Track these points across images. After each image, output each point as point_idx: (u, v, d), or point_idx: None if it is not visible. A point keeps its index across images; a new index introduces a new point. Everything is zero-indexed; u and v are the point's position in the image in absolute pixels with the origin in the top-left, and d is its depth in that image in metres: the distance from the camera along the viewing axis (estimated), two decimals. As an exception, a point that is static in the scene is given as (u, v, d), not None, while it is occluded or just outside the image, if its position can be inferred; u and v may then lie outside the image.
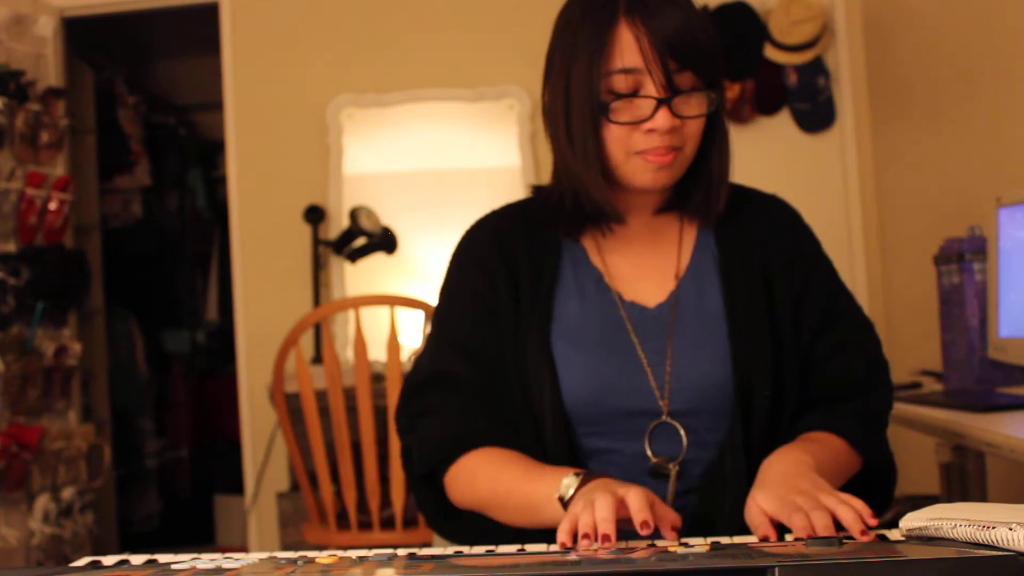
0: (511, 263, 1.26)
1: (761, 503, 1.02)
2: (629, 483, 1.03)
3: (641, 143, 1.17)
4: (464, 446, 1.21)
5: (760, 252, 1.27)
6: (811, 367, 1.27)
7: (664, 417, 1.20)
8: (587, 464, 1.23)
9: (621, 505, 0.96)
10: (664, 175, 1.19)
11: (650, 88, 1.15)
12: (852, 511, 0.95)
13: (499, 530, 1.19)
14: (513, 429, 1.22)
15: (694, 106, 1.17)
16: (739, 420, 1.20)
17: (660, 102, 1.14)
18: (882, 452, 1.27)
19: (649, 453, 1.20)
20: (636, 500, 0.95)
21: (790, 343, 1.24)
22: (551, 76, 1.23)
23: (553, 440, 1.20)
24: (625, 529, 0.95)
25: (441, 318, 1.30)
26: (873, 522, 0.95)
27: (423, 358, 1.29)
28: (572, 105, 1.19)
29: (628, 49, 1.15)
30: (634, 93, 1.16)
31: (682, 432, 1.20)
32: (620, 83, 1.16)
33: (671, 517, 0.98)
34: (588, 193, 1.21)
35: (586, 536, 0.93)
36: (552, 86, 1.23)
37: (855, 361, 1.27)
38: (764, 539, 0.98)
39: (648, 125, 1.16)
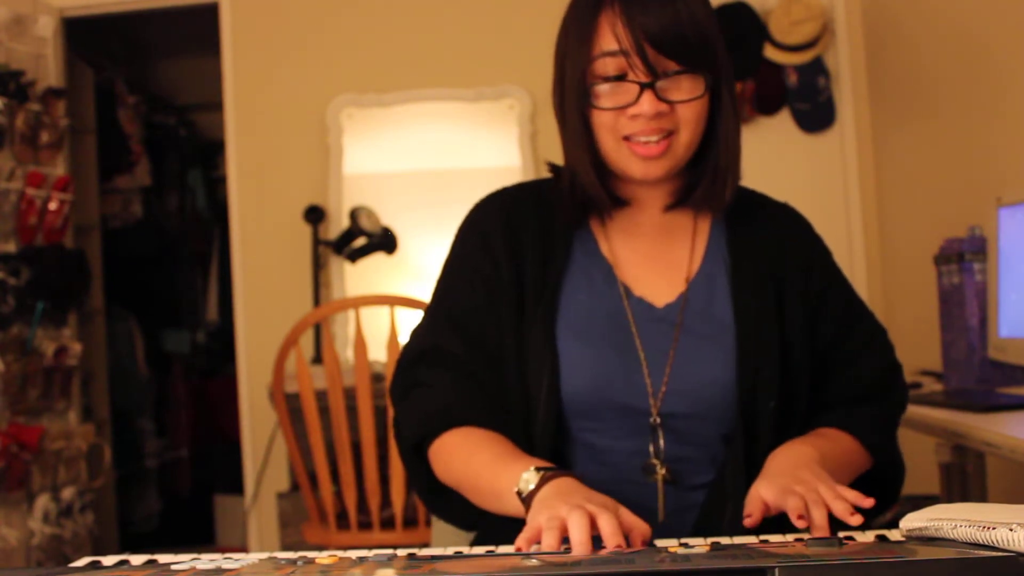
0: (518, 246, 1.25)
1: (761, 491, 1.03)
2: (593, 492, 1.00)
3: (628, 128, 1.17)
4: (449, 422, 1.21)
5: (772, 260, 1.26)
6: (828, 373, 1.26)
7: (654, 419, 1.20)
8: (577, 456, 1.22)
9: (592, 524, 0.92)
10: (655, 166, 1.18)
11: (634, 73, 1.15)
12: (846, 505, 0.96)
13: (486, 512, 1.17)
14: (502, 410, 1.21)
15: (684, 90, 1.16)
16: (741, 431, 1.19)
17: (643, 86, 1.15)
18: (892, 454, 1.28)
19: (652, 454, 1.20)
20: (608, 525, 0.91)
21: (800, 355, 1.23)
22: (554, 68, 1.25)
23: (542, 430, 1.19)
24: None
25: (441, 291, 1.29)
26: (866, 503, 0.96)
27: (420, 330, 1.29)
28: (566, 93, 1.21)
29: (607, 35, 1.16)
30: (621, 77, 1.16)
31: (661, 435, 1.19)
32: (604, 68, 1.16)
33: (641, 529, 0.95)
34: (580, 179, 1.22)
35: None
36: (554, 77, 1.25)
37: (873, 366, 1.28)
38: (747, 516, 1.00)
39: (633, 110, 1.16)
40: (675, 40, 1.14)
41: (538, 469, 1.05)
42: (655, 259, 1.27)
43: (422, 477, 1.27)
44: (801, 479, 1.02)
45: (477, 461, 1.16)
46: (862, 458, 1.23)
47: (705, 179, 1.23)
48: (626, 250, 1.27)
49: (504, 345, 1.23)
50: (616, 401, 1.20)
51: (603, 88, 1.17)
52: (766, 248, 1.27)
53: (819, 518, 0.96)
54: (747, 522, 1.02)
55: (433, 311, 1.28)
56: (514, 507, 1.06)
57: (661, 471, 1.19)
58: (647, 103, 1.15)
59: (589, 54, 1.17)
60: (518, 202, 1.30)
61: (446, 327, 1.25)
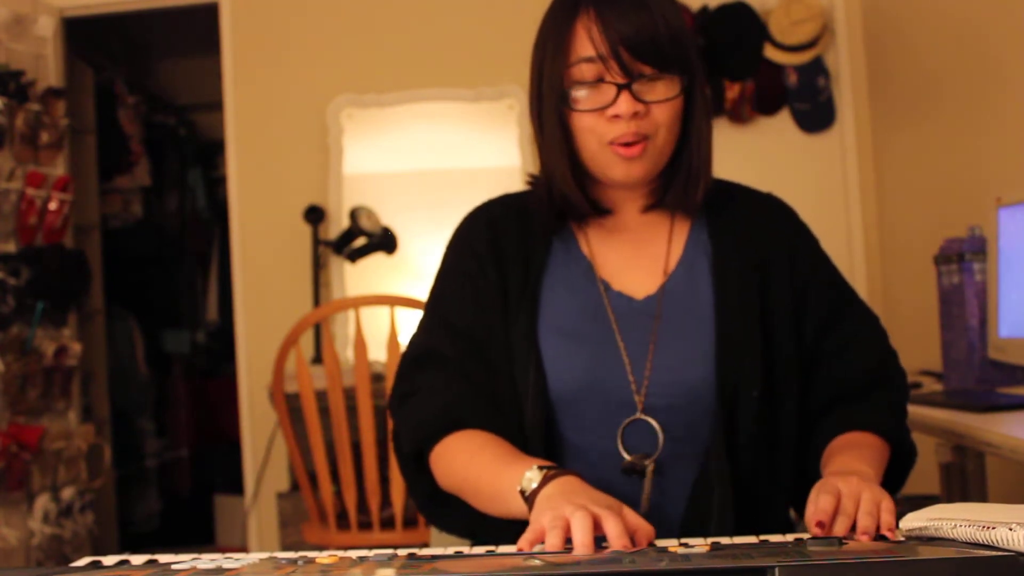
0: (501, 251, 1.28)
1: (817, 484, 1.03)
2: (596, 492, 1.01)
3: (609, 132, 1.18)
4: (448, 426, 1.21)
5: (756, 249, 1.27)
6: (821, 364, 1.26)
7: (639, 413, 1.20)
8: (564, 457, 1.22)
9: (596, 525, 0.92)
10: (636, 168, 1.20)
11: (610, 76, 1.17)
12: (872, 523, 0.94)
13: (487, 520, 1.18)
14: (497, 411, 1.22)
15: (659, 91, 1.18)
16: (722, 422, 1.19)
17: (620, 87, 1.16)
18: (909, 440, 1.28)
19: (622, 450, 1.19)
20: (613, 527, 0.91)
21: (785, 343, 1.23)
22: (530, 76, 1.26)
23: (532, 431, 1.20)
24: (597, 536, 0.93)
25: (433, 299, 1.31)
26: (888, 535, 0.94)
27: (415, 337, 1.31)
28: (543, 100, 1.23)
29: (582, 41, 1.18)
30: (598, 82, 1.18)
31: (657, 428, 1.19)
32: (581, 73, 1.18)
33: (645, 530, 0.95)
34: (558, 185, 1.24)
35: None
36: (530, 84, 1.26)
37: (868, 355, 1.27)
38: (819, 524, 0.96)
39: (611, 111, 1.17)
40: (650, 44, 1.16)
41: (541, 468, 1.06)
42: (634, 254, 1.28)
43: (422, 488, 1.27)
44: (850, 484, 1.00)
45: (477, 463, 1.16)
46: (887, 452, 1.23)
47: (678, 181, 1.25)
48: (605, 248, 1.28)
49: (494, 348, 1.24)
50: (598, 396, 1.20)
51: (581, 92, 1.19)
52: (749, 237, 1.28)
53: (841, 527, 0.95)
54: (815, 520, 0.99)
55: (427, 318, 1.31)
56: (517, 507, 1.07)
57: (649, 464, 1.18)
58: (624, 103, 1.16)
59: (566, 60, 1.19)
60: (502, 211, 1.33)
61: (440, 331, 1.27)
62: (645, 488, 1.18)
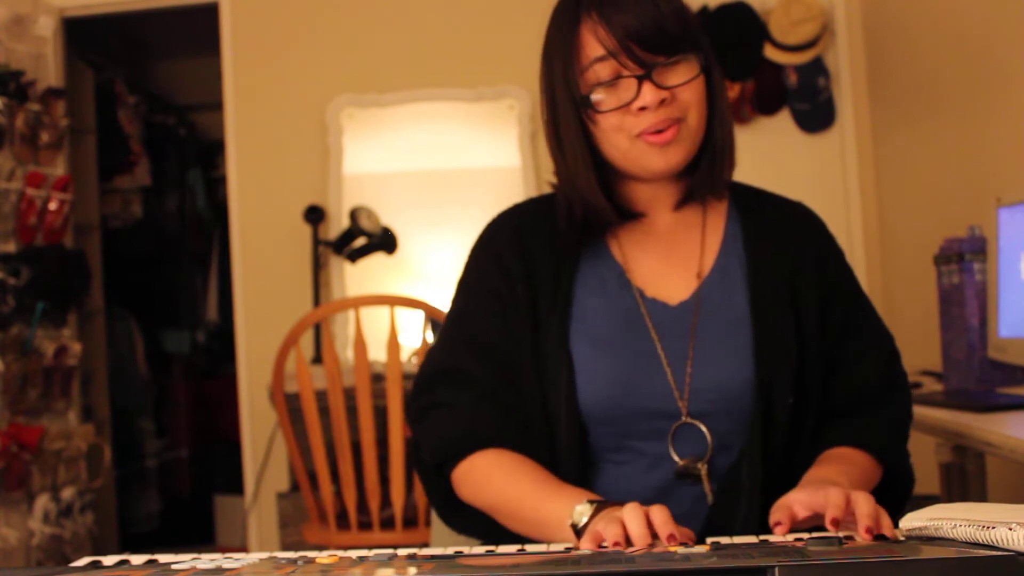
0: (530, 260, 1.25)
1: (791, 498, 1.01)
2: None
3: (638, 125, 1.17)
4: (473, 445, 1.20)
5: (788, 257, 1.26)
6: (831, 373, 1.25)
7: (685, 418, 1.19)
8: (598, 468, 1.22)
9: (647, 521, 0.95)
10: (673, 153, 1.18)
11: (627, 70, 1.16)
12: (873, 514, 0.93)
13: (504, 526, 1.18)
14: (524, 429, 1.21)
15: (680, 74, 1.17)
16: (759, 426, 1.18)
17: (640, 79, 1.15)
18: (904, 463, 1.27)
19: (673, 455, 1.19)
20: (660, 514, 0.94)
21: (814, 350, 1.23)
22: (542, 93, 1.25)
23: (566, 441, 1.19)
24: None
25: (456, 312, 1.28)
26: (887, 532, 0.93)
27: (436, 351, 1.28)
28: (559, 111, 1.21)
29: (591, 43, 1.16)
30: (616, 78, 1.16)
31: (706, 432, 1.19)
32: (596, 75, 1.17)
33: (686, 533, 0.96)
34: (583, 196, 1.21)
35: (616, 545, 0.92)
36: (543, 102, 1.25)
37: (876, 370, 1.26)
38: (776, 524, 0.96)
39: (636, 104, 1.15)
40: (657, 33, 1.14)
41: (591, 502, 1.06)
42: (667, 258, 1.26)
43: (441, 495, 1.27)
44: (839, 487, 1.01)
45: (517, 489, 1.15)
46: (877, 472, 1.23)
47: (704, 161, 1.23)
48: (637, 251, 1.27)
49: (522, 363, 1.22)
50: (638, 404, 1.19)
51: (601, 93, 1.17)
52: (782, 245, 1.27)
53: (863, 502, 0.94)
54: (778, 530, 0.99)
55: (449, 332, 1.28)
56: (561, 536, 1.07)
57: (703, 467, 1.18)
58: (649, 93, 1.15)
59: (578, 66, 1.17)
60: (529, 218, 1.29)
61: (463, 348, 1.24)
62: (706, 489, 1.19)
